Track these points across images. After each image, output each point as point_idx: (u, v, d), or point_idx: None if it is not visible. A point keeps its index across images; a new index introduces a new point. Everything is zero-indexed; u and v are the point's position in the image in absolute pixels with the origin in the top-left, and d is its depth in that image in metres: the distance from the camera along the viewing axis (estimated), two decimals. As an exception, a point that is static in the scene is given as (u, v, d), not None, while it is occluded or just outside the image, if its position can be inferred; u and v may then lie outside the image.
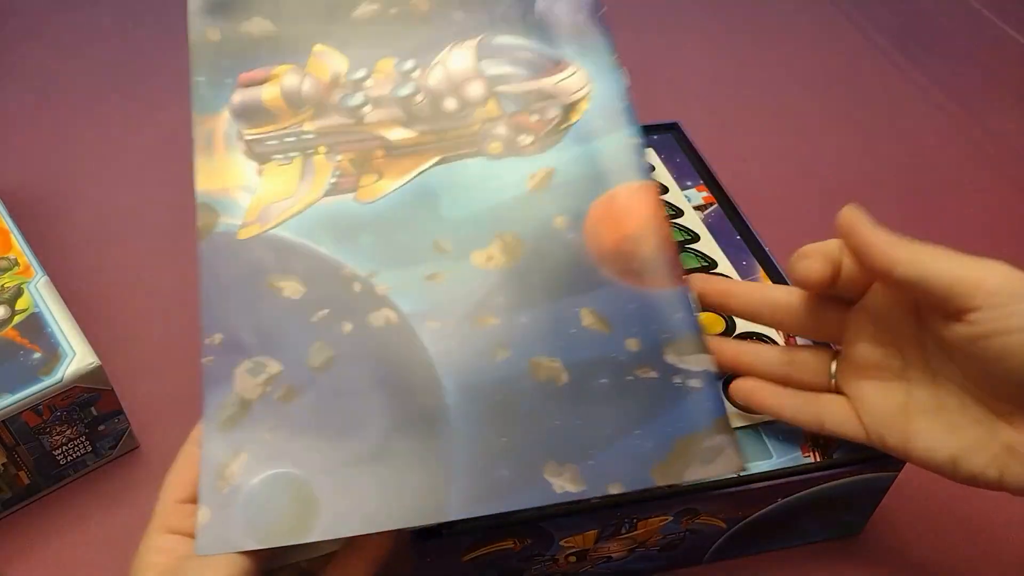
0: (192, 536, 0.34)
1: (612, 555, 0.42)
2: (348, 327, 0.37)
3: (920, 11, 0.90)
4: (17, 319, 0.47)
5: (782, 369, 0.40)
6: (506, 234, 0.39)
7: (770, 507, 0.42)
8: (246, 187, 0.39)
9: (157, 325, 0.58)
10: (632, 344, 0.36)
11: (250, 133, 0.41)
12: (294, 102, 0.41)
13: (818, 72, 0.82)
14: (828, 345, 0.41)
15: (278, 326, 0.37)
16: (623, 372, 0.36)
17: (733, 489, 0.40)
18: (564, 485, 0.33)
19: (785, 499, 0.42)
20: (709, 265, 0.51)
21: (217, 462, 0.34)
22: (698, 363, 0.36)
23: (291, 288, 0.37)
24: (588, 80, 0.43)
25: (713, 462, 0.34)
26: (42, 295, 0.49)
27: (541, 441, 0.34)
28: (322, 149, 0.40)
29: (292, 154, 0.40)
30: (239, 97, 0.41)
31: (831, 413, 0.38)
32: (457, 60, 0.43)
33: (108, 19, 0.87)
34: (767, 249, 0.52)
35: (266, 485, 0.34)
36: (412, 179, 0.40)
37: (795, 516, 0.43)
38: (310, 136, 0.41)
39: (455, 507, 0.33)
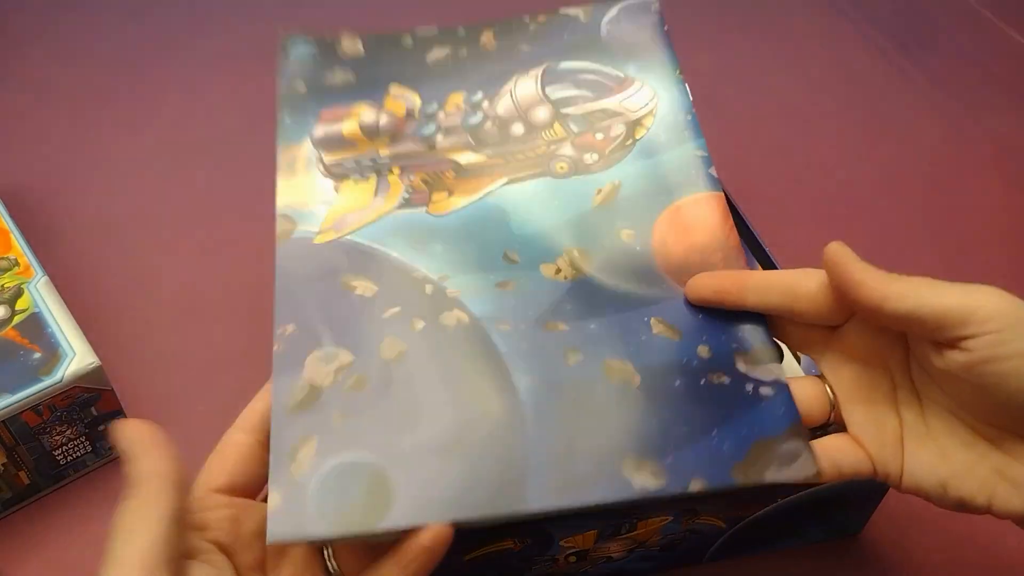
0: (222, 526, 0.33)
1: (612, 555, 0.42)
2: (420, 324, 0.37)
3: (920, 11, 0.90)
4: (17, 319, 0.47)
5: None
6: (574, 248, 0.39)
7: (770, 507, 0.42)
8: (324, 201, 0.42)
9: (157, 325, 0.58)
10: (703, 351, 0.36)
11: (329, 158, 0.43)
12: (371, 133, 0.44)
13: (818, 72, 0.82)
14: (821, 377, 0.39)
15: (350, 320, 0.37)
16: (696, 376, 0.36)
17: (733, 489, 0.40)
18: (644, 480, 0.33)
19: (785, 499, 0.42)
20: None
21: (288, 445, 0.34)
22: (769, 372, 0.36)
23: (363, 287, 0.38)
24: (653, 95, 0.44)
25: (790, 465, 0.34)
26: (42, 295, 0.49)
27: (618, 438, 0.34)
28: (396, 170, 0.42)
29: (368, 173, 0.42)
30: (320, 131, 0.44)
31: (845, 458, 0.36)
32: (523, 88, 0.45)
33: (108, 19, 0.86)
34: (767, 249, 0.52)
35: (340, 471, 0.33)
36: (481, 197, 0.41)
37: (795, 516, 0.43)
38: (385, 159, 0.43)
39: (534, 499, 0.33)
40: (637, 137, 0.43)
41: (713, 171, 0.41)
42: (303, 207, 0.42)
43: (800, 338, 0.38)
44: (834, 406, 0.37)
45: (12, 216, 0.54)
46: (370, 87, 0.45)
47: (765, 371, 0.36)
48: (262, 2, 0.90)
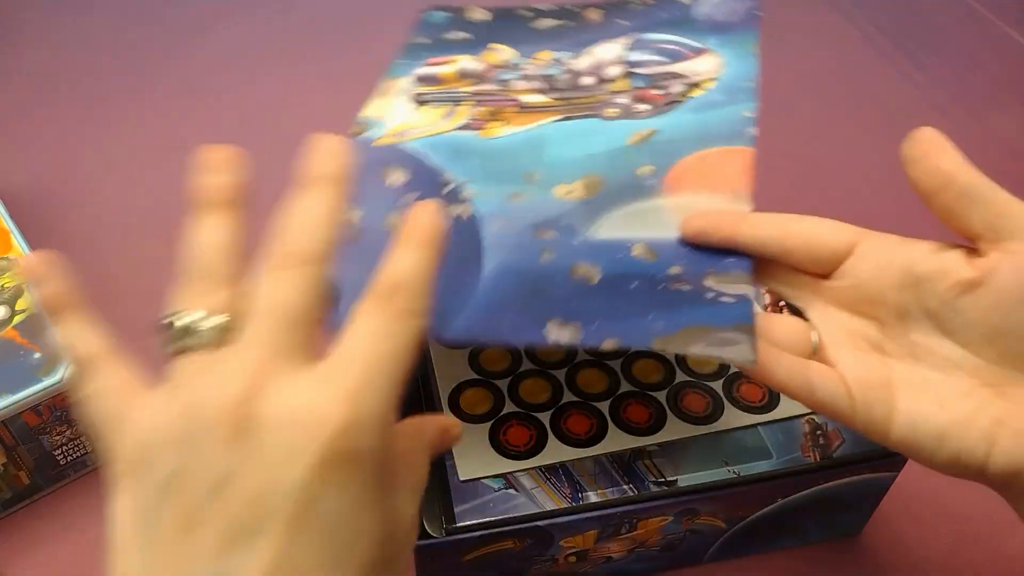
0: None
1: (612, 555, 0.42)
2: None
3: (920, 11, 0.89)
4: (17, 319, 0.47)
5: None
6: (591, 174, 0.41)
7: (770, 507, 0.42)
8: (398, 118, 0.47)
9: (155, 325, 0.57)
10: (674, 269, 0.36)
11: (420, 89, 0.48)
12: (462, 76, 0.49)
13: (818, 72, 0.82)
14: (802, 315, 0.38)
15: (373, 196, 0.41)
16: (656, 283, 0.35)
17: (733, 489, 0.40)
18: (560, 334, 0.34)
19: (785, 499, 0.42)
20: None
21: None
22: (736, 289, 0.35)
23: (395, 176, 0.42)
24: (721, 63, 0.46)
25: (723, 348, 0.32)
26: None
27: (556, 306, 0.35)
28: (469, 103, 0.47)
29: (444, 102, 0.47)
30: (423, 71, 0.49)
31: (821, 380, 0.34)
32: (606, 50, 0.49)
33: (109, 19, 0.86)
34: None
35: None
36: (531, 128, 0.44)
37: (795, 516, 0.43)
38: (463, 94, 0.48)
39: (452, 331, 0.34)
40: (693, 96, 0.44)
41: (754, 131, 0.42)
42: (378, 119, 0.47)
43: (788, 282, 0.37)
44: (816, 349, 0.35)
45: (12, 216, 0.54)
46: (480, 44, 0.51)
47: (733, 288, 0.35)
48: (264, 2, 0.90)
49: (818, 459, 0.41)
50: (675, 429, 0.42)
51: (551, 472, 0.40)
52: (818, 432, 0.42)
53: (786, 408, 0.43)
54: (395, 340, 0.28)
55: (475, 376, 0.45)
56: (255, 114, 0.75)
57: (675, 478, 0.40)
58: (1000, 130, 0.74)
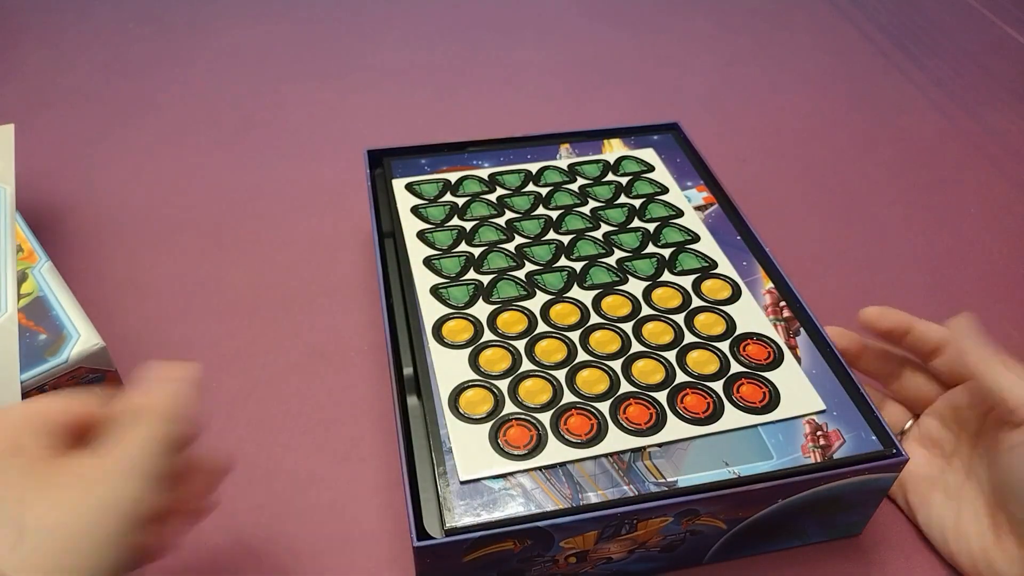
0: None
1: (612, 556, 0.40)
2: None
3: (920, 11, 0.86)
4: (23, 302, 0.46)
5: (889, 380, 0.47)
6: None
7: (770, 508, 0.40)
8: None
9: (157, 310, 0.56)
10: None
11: None
12: None
13: (818, 72, 0.79)
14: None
15: None
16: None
17: (733, 490, 0.38)
18: None
19: (785, 500, 0.39)
20: (709, 266, 0.49)
21: None
22: None
23: None
24: None
25: None
26: (46, 279, 0.47)
27: None
28: None
29: None
30: None
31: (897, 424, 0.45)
32: None
33: (109, 19, 0.84)
34: (767, 249, 0.50)
35: None
36: None
37: (795, 517, 0.41)
38: None
39: None
40: None
41: None
42: None
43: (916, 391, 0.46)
44: (904, 431, 0.46)
45: (17, 204, 0.52)
46: None
47: None
48: (265, 3, 0.87)
49: (818, 460, 0.39)
50: (675, 430, 0.40)
51: (551, 473, 0.38)
52: (818, 433, 0.40)
53: (786, 409, 0.41)
54: None
55: (475, 377, 0.42)
56: (255, 114, 0.73)
57: (675, 479, 0.38)
58: (1000, 129, 0.71)
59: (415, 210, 0.53)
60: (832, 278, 0.58)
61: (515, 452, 0.39)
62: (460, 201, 0.54)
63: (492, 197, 0.54)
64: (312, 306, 0.55)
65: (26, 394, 0.42)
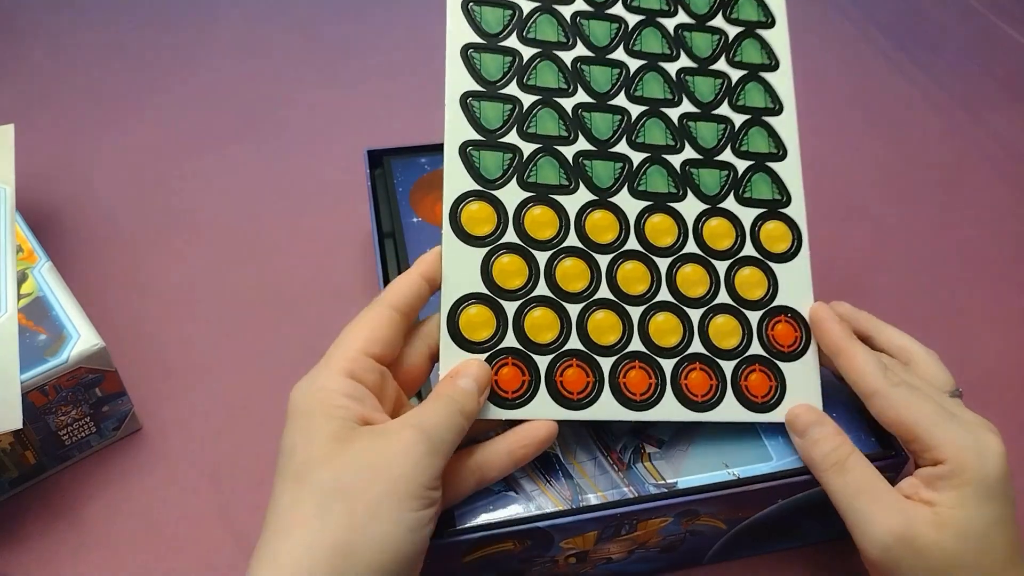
0: (377, 393, 0.34)
1: (612, 556, 0.40)
2: None
3: (920, 11, 0.86)
4: (23, 303, 0.46)
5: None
6: None
7: (770, 509, 0.40)
8: None
9: (158, 311, 0.56)
10: None
11: None
12: None
13: (818, 72, 0.79)
14: None
15: None
16: None
17: (733, 491, 0.38)
18: None
19: (785, 501, 0.39)
20: (781, 199, 0.44)
21: None
22: None
23: None
24: None
25: None
26: (46, 279, 0.47)
27: None
28: None
29: None
30: None
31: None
32: None
33: (110, 19, 0.84)
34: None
35: None
36: None
37: (795, 518, 0.41)
38: None
39: None
40: None
41: None
42: None
43: None
44: None
45: (17, 204, 0.52)
46: None
47: None
48: (266, 3, 0.87)
49: (819, 460, 0.38)
50: (668, 409, 0.38)
51: (551, 474, 0.38)
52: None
53: (784, 412, 0.40)
54: None
55: (482, 290, 0.38)
56: (255, 114, 0.72)
57: (675, 480, 0.38)
58: (1000, 129, 0.71)
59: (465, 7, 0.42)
60: (831, 278, 0.57)
61: (503, 398, 0.37)
62: (525, 7, 0.43)
63: (565, 11, 0.43)
64: (312, 306, 0.55)
65: (26, 394, 0.42)
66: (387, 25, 0.84)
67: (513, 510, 0.36)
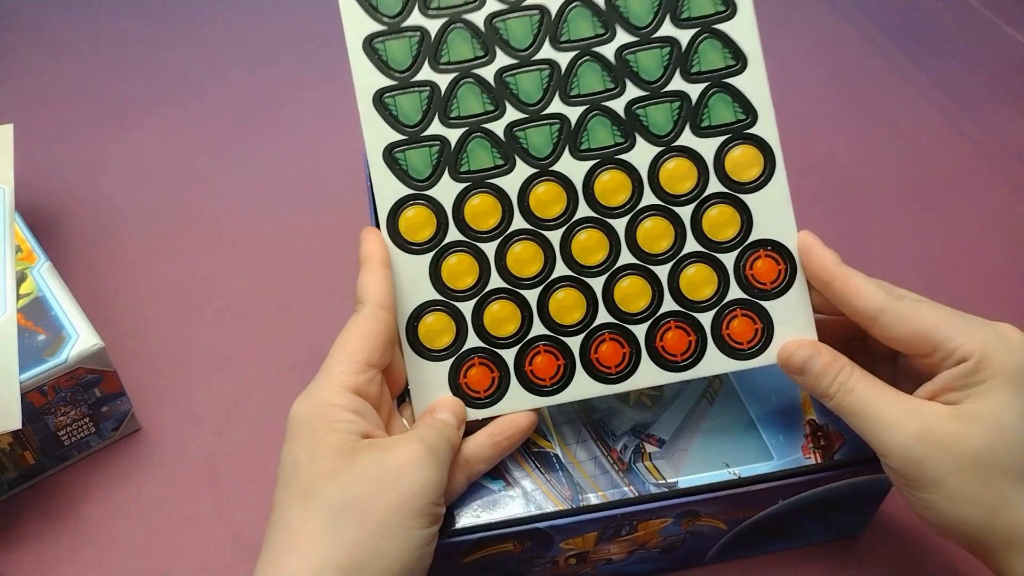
0: (373, 405, 0.34)
1: (612, 557, 0.39)
2: None
3: (920, 11, 0.86)
4: (21, 303, 0.46)
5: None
6: None
7: (771, 509, 0.39)
8: None
9: (158, 311, 0.56)
10: None
11: None
12: None
13: (818, 72, 0.79)
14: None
15: None
16: None
17: (734, 491, 0.38)
18: None
19: (786, 501, 0.39)
20: (746, 120, 0.38)
21: None
22: None
23: None
24: None
25: None
26: (45, 280, 0.47)
27: None
28: None
29: None
30: None
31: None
32: None
33: (110, 19, 0.84)
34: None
35: None
36: None
37: (796, 518, 0.41)
38: None
39: None
40: None
41: None
42: None
43: None
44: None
45: (16, 204, 0.52)
46: None
47: None
48: (266, 3, 0.87)
49: (819, 460, 0.38)
50: (647, 375, 0.37)
51: (551, 473, 0.38)
52: (819, 433, 0.40)
53: (773, 353, 0.37)
54: None
55: (437, 297, 0.38)
56: (255, 113, 0.72)
57: (675, 479, 0.38)
58: (1000, 129, 0.71)
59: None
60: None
61: (476, 399, 0.37)
62: None
63: None
64: (312, 306, 0.55)
65: (25, 395, 0.42)
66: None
67: (513, 510, 0.36)
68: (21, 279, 0.47)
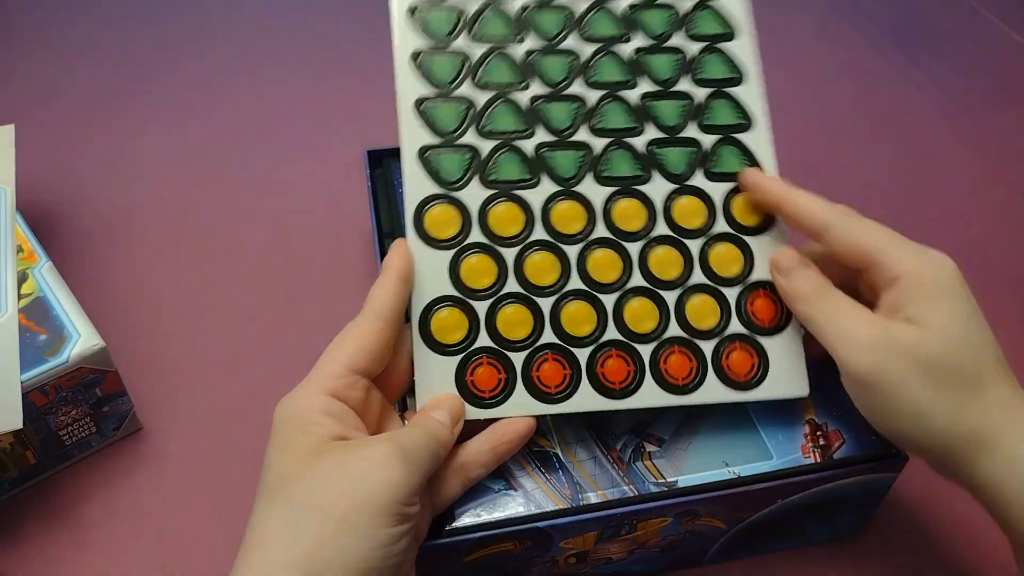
0: (354, 409, 0.34)
1: (612, 556, 0.40)
2: None
3: (921, 11, 0.86)
4: (23, 303, 0.46)
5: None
6: None
7: (770, 508, 0.40)
8: None
9: (159, 311, 0.56)
10: None
11: None
12: None
13: (819, 72, 0.79)
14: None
15: None
16: None
17: (733, 490, 0.38)
18: None
19: (785, 500, 0.39)
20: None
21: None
22: None
23: None
24: None
25: None
26: (46, 279, 0.47)
27: None
28: None
29: None
30: None
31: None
32: None
33: (110, 20, 0.84)
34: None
35: None
36: None
37: (795, 517, 0.41)
38: None
39: None
40: None
41: None
42: None
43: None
44: None
45: (17, 204, 0.52)
46: None
47: None
48: (266, 3, 0.87)
49: (818, 460, 0.39)
50: (649, 395, 0.38)
51: (551, 472, 0.38)
52: (818, 433, 0.40)
53: (769, 388, 0.39)
54: None
55: (453, 292, 0.38)
56: (256, 114, 0.73)
57: (675, 479, 0.38)
58: (1000, 130, 0.71)
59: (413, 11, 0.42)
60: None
61: (481, 398, 0.37)
62: (470, 7, 0.43)
63: (513, 5, 0.43)
64: (312, 306, 0.55)
65: (26, 394, 0.42)
66: (388, 25, 0.84)
67: (513, 509, 0.36)
68: (22, 279, 0.47)
